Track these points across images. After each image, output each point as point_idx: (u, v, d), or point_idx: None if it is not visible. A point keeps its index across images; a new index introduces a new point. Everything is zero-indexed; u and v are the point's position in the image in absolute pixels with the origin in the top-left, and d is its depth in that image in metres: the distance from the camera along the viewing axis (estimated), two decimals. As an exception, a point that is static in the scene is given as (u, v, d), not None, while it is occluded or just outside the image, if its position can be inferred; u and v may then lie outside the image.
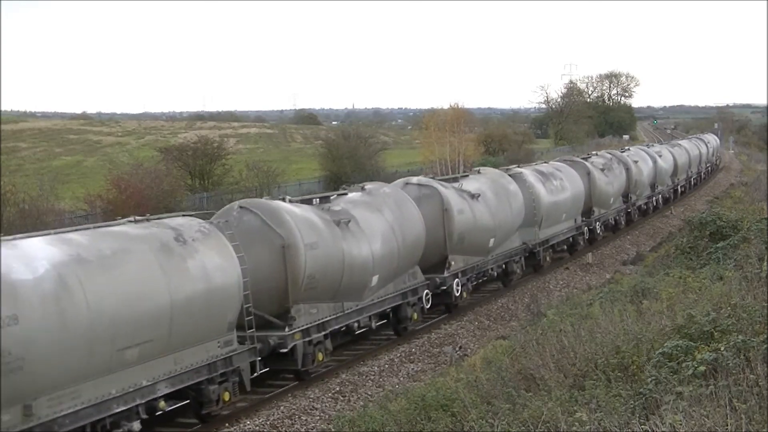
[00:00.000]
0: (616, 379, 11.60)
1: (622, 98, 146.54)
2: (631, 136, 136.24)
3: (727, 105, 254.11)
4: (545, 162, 37.12)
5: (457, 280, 25.68)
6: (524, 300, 27.99)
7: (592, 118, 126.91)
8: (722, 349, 10.87)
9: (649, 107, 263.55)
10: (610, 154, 43.53)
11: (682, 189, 57.86)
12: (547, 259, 32.73)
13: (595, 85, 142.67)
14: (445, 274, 25.13)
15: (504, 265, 29.27)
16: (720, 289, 15.63)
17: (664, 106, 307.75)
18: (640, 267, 30.81)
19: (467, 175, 29.47)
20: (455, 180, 28.22)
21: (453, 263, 25.61)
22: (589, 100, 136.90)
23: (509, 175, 30.61)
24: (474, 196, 26.83)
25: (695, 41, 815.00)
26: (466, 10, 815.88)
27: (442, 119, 70.80)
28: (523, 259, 30.62)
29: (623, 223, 42.47)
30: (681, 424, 8.86)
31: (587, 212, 36.94)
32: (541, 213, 31.39)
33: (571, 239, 35.57)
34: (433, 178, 28.41)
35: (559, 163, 37.15)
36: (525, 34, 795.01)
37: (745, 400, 9.31)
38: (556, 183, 33.53)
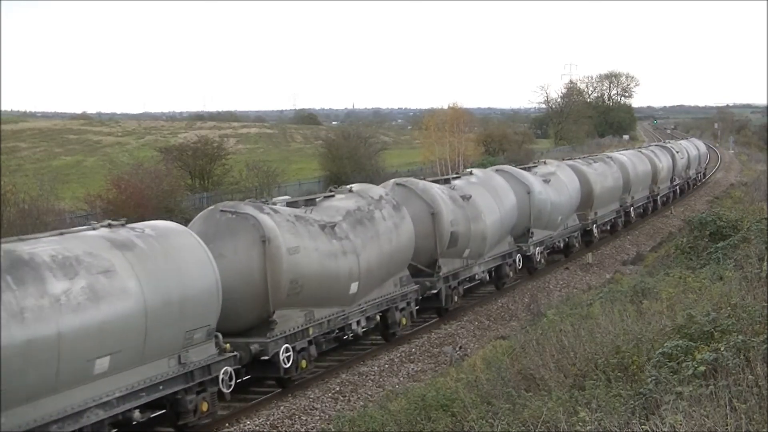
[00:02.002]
0: (616, 379, 11.60)
1: (622, 98, 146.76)
2: (631, 136, 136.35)
3: (727, 105, 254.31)
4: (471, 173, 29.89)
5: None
6: (524, 300, 27.99)
7: (592, 118, 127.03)
8: (722, 349, 10.87)
9: (649, 107, 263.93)
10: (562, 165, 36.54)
11: (641, 209, 46.69)
12: (455, 299, 25.82)
13: (595, 85, 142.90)
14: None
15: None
16: (720, 289, 15.63)
17: (664, 106, 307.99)
18: (640, 267, 30.82)
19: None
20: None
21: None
22: (589, 100, 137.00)
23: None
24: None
25: (695, 41, 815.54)
26: (466, 10, 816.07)
27: (442, 119, 70.88)
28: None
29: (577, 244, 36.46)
30: (681, 424, 8.86)
31: (523, 234, 30.31)
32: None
33: (492, 271, 28.42)
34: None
35: (492, 173, 30.09)
36: (525, 34, 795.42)
37: (745, 400, 9.31)
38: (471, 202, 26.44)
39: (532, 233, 30.50)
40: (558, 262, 34.33)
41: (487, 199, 27.12)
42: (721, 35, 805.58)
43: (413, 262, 23.40)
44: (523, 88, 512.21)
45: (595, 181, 37.55)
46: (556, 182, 32.92)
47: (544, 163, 35.72)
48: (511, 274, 29.41)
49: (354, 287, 20.20)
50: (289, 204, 20.20)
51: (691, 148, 65.56)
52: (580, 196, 35.34)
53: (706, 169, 74.55)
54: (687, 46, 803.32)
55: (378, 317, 22.14)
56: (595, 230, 37.93)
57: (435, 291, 24.33)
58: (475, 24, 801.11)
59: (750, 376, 9.96)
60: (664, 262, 27.57)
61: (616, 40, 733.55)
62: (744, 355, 10.60)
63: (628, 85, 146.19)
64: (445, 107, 76.14)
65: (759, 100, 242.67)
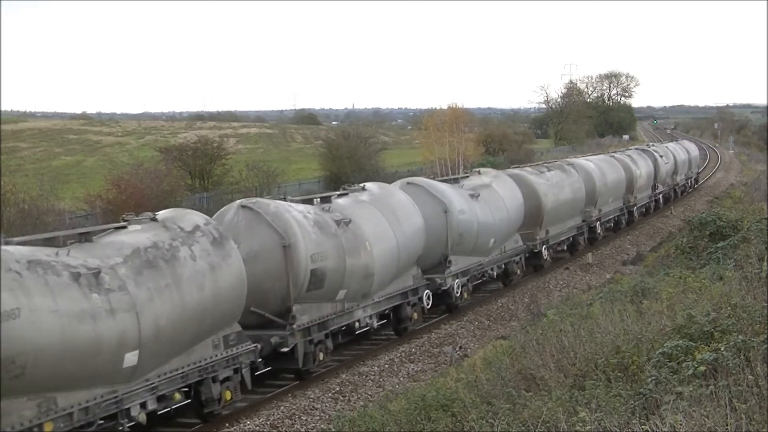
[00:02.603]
0: (616, 379, 11.60)
1: (622, 98, 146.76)
2: (631, 136, 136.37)
3: (727, 105, 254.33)
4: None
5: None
6: (524, 300, 27.99)
7: (592, 118, 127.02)
8: (722, 349, 10.87)
9: (649, 107, 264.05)
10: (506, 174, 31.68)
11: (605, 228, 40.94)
12: (320, 357, 20.20)
13: (595, 85, 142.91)
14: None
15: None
16: (720, 289, 15.63)
17: (664, 106, 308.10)
18: (640, 267, 30.82)
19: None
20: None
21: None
22: (589, 100, 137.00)
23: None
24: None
25: (695, 41, 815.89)
26: (466, 10, 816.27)
27: (442, 119, 70.88)
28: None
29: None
30: (681, 424, 8.86)
31: (439, 264, 25.16)
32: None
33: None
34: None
35: (393, 188, 24.85)
36: (525, 34, 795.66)
37: (745, 400, 9.31)
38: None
39: (450, 262, 25.10)
40: (561, 261, 34.33)
41: (379, 222, 21.73)
42: (721, 35, 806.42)
43: (258, 310, 18.43)
44: (523, 88, 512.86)
45: (545, 194, 31.53)
46: (488, 197, 27.50)
47: (478, 173, 29.94)
48: (415, 315, 23.72)
49: (131, 359, 14.59)
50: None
51: (680, 151, 58.88)
52: (524, 213, 29.92)
53: (699, 174, 67.96)
54: (687, 46, 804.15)
55: (186, 392, 16.62)
56: (545, 252, 32.04)
57: (286, 349, 18.84)
58: (475, 24, 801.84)
59: (750, 376, 9.96)
60: (664, 262, 27.58)
61: (616, 40, 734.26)
62: (744, 355, 10.60)
63: (628, 85, 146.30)
64: (445, 107, 76.13)
65: (759, 100, 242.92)
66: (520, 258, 30.46)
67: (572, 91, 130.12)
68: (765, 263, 16.93)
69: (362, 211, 21.64)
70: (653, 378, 10.71)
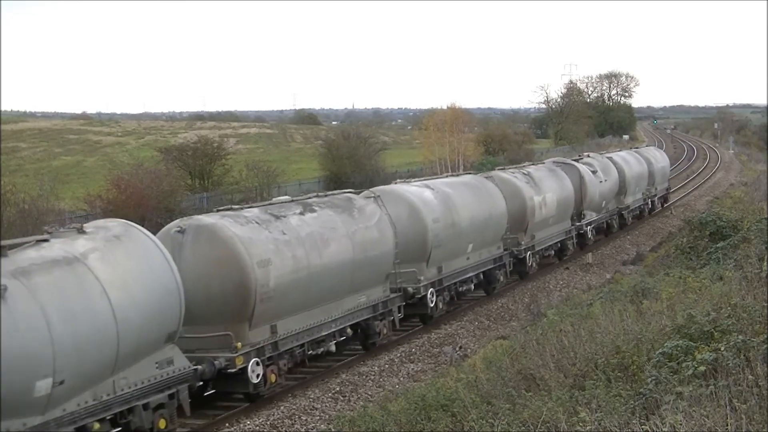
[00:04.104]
0: (616, 379, 11.60)
1: (622, 98, 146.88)
2: (631, 136, 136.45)
3: (727, 105, 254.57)
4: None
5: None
6: (524, 300, 27.99)
7: (592, 118, 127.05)
8: (722, 349, 10.87)
9: (649, 107, 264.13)
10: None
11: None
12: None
13: (595, 85, 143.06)
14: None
15: None
16: (720, 289, 15.63)
17: (664, 106, 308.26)
18: (640, 267, 30.82)
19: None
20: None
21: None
22: (589, 100, 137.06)
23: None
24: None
25: (695, 41, 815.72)
26: (465, 10, 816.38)
27: (442, 119, 70.93)
28: None
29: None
30: (681, 424, 8.86)
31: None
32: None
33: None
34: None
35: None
36: (525, 34, 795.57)
37: (745, 400, 9.31)
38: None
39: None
40: (553, 265, 34.31)
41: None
42: (721, 35, 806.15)
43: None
44: (523, 88, 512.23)
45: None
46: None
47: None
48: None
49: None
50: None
51: (633, 162, 44.51)
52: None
53: (668, 191, 53.03)
54: (687, 46, 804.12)
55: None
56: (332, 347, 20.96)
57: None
58: (475, 24, 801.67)
59: (750, 376, 9.97)
60: (664, 262, 27.59)
61: (616, 40, 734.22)
62: (744, 355, 10.60)
63: (628, 85, 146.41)
64: (445, 107, 76.20)
65: (759, 100, 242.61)
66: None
67: (572, 91, 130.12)
68: (765, 263, 16.94)
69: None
70: (653, 378, 10.71)
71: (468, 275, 26.45)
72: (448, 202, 25.32)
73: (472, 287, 27.24)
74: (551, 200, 32.30)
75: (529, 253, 30.52)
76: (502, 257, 28.67)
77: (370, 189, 24.61)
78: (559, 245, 34.05)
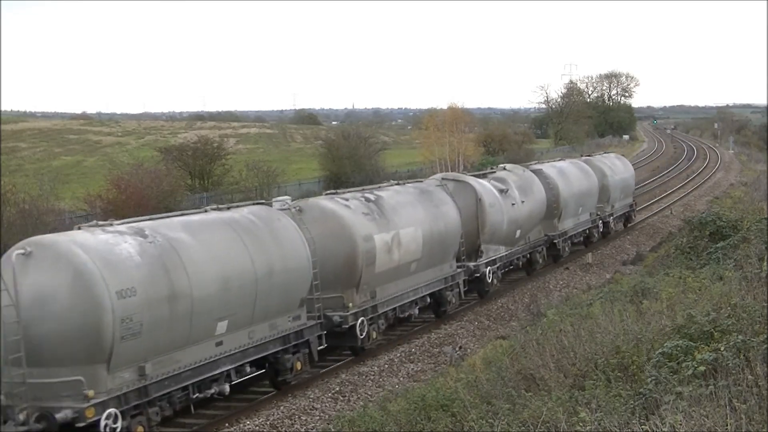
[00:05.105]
0: (616, 379, 11.60)
1: (622, 98, 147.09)
2: (631, 136, 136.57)
3: (727, 105, 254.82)
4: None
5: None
6: (524, 300, 27.98)
7: (592, 118, 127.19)
8: (722, 349, 10.87)
9: (649, 107, 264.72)
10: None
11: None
12: None
13: (595, 85, 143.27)
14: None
15: None
16: (720, 289, 15.62)
17: (664, 106, 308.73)
18: (640, 267, 30.81)
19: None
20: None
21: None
22: (589, 100, 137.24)
23: None
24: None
25: (695, 41, 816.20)
26: (465, 10, 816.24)
27: (442, 119, 70.95)
28: None
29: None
30: (681, 424, 8.86)
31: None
32: None
33: None
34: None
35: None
36: (525, 34, 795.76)
37: (745, 400, 9.31)
38: None
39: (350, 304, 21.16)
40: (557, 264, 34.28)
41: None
42: (721, 35, 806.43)
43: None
44: (523, 88, 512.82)
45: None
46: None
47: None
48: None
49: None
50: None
51: (577, 176, 35.90)
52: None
53: (632, 209, 44.07)
54: (687, 46, 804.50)
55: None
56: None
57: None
58: (475, 24, 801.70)
59: (750, 376, 9.96)
60: (664, 262, 27.56)
61: (616, 40, 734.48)
62: (744, 355, 10.60)
63: (628, 85, 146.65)
64: (445, 107, 76.19)
65: (759, 100, 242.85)
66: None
67: (572, 91, 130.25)
68: (765, 263, 16.95)
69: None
70: (653, 378, 10.71)
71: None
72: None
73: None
74: (413, 237, 22.86)
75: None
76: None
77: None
78: (428, 299, 24.30)
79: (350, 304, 20.60)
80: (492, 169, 32.52)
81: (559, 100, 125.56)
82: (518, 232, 29.56)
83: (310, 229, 19.98)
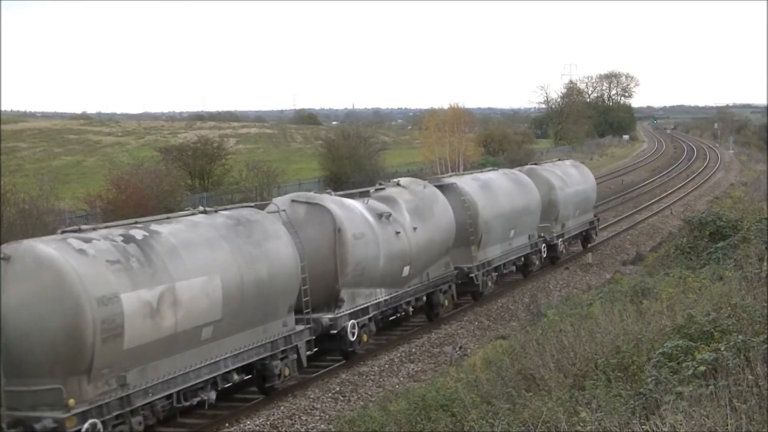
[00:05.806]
0: (616, 379, 11.60)
1: (622, 98, 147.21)
2: (631, 136, 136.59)
3: (727, 105, 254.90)
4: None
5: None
6: (524, 300, 27.99)
7: (592, 118, 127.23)
8: (722, 349, 10.86)
9: (649, 107, 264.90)
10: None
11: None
12: None
13: (594, 85, 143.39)
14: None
15: None
16: (720, 289, 15.62)
17: (664, 106, 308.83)
18: (640, 267, 30.81)
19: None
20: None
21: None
22: (588, 100, 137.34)
23: None
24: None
25: (695, 41, 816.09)
26: (466, 10, 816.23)
27: (442, 119, 70.94)
28: None
29: None
30: (681, 424, 8.86)
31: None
32: None
33: None
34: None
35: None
36: (525, 34, 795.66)
37: (745, 400, 9.31)
38: None
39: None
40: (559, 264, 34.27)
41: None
42: (721, 35, 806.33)
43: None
44: (523, 88, 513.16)
45: None
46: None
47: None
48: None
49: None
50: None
51: (509, 191, 29.21)
52: None
53: (593, 226, 37.77)
54: (687, 46, 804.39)
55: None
56: None
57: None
58: (475, 24, 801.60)
59: (750, 376, 9.96)
60: (664, 262, 27.55)
61: (616, 40, 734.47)
62: (744, 355, 10.59)
63: (628, 85, 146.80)
64: (446, 107, 76.19)
65: (759, 100, 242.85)
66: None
67: (572, 91, 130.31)
68: (765, 263, 16.93)
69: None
70: (653, 378, 10.70)
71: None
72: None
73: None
74: (203, 291, 16.21)
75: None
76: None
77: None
78: (236, 376, 17.78)
79: (71, 401, 13.98)
80: (381, 184, 24.72)
81: (559, 100, 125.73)
82: (406, 269, 22.77)
83: (15, 288, 14.14)
